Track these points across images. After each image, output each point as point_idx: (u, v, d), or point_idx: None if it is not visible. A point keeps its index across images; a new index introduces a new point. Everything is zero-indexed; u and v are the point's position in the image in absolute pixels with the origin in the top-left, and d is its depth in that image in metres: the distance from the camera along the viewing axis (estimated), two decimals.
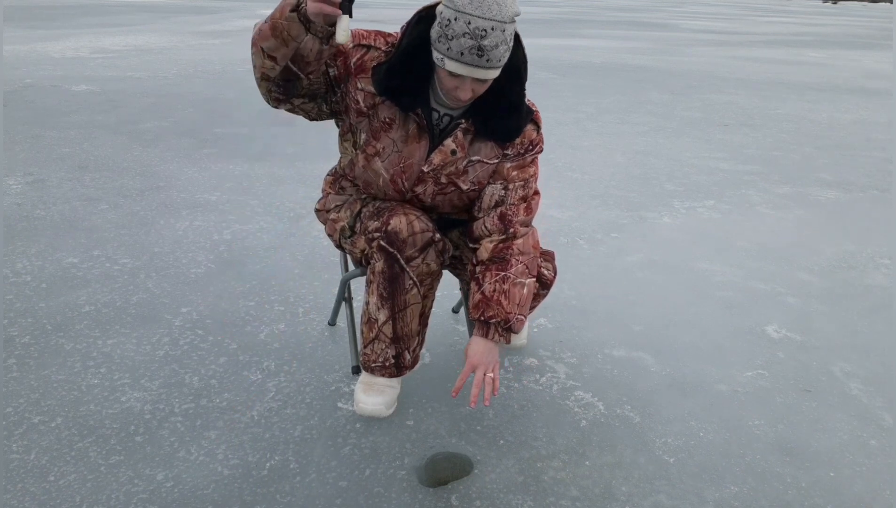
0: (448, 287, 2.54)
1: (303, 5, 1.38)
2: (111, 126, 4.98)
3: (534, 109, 1.72)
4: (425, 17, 1.53)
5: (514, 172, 1.73)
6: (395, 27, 1.74)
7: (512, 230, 1.72)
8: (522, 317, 1.72)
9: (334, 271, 2.74)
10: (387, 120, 1.64)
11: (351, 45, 1.60)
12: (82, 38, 9.91)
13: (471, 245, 1.79)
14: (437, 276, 1.73)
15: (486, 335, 1.68)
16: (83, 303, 2.41)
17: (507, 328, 1.70)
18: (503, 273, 1.69)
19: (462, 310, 2.39)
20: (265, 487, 1.60)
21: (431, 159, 1.66)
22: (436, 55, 1.50)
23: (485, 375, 1.65)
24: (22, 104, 5.57)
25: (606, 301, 2.60)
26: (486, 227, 1.74)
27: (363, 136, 1.69)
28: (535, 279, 1.77)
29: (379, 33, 1.63)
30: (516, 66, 1.57)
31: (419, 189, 1.72)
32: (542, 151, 1.77)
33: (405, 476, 1.66)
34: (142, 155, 4.29)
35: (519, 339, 2.15)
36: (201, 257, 2.83)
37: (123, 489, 1.58)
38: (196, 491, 1.58)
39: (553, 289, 2.57)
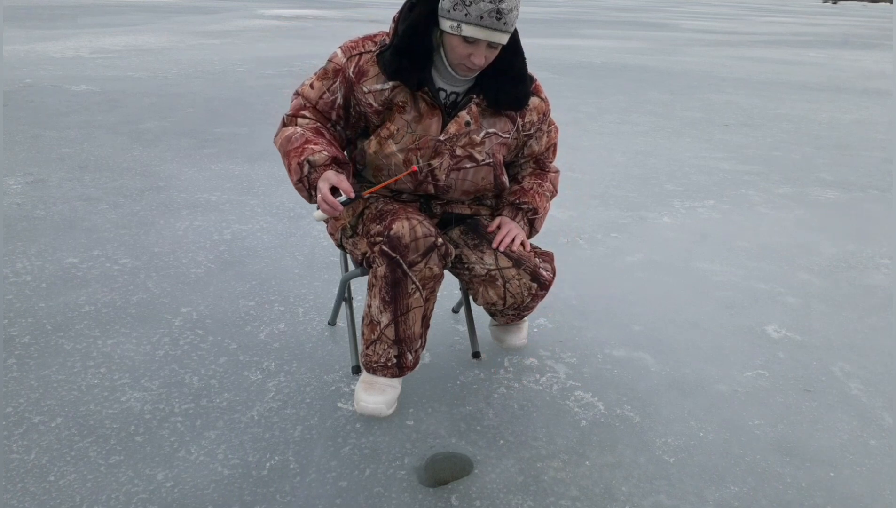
0: (448, 287, 2.53)
1: (313, 191, 1.66)
2: (111, 126, 4.98)
3: (535, 78, 1.84)
4: (418, 2, 1.64)
5: (544, 141, 1.95)
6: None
7: (547, 169, 2.01)
8: (541, 223, 1.97)
9: (334, 271, 2.74)
10: (401, 103, 1.72)
11: (344, 58, 1.75)
12: (82, 38, 9.91)
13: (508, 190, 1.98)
14: (439, 279, 1.74)
15: (513, 218, 1.89)
16: (83, 303, 2.41)
17: (531, 220, 1.92)
18: (539, 180, 1.96)
19: (462, 310, 2.39)
20: (265, 487, 1.60)
21: (448, 129, 1.74)
22: (449, 24, 1.59)
23: (514, 239, 1.81)
24: (22, 104, 5.57)
25: (606, 301, 2.60)
26: (522, 169, 1.98)
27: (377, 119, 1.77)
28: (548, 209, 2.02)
29: (366, 38, 1.76)
30: (515, 40, 1.71)
31: (435, 162, 1.77)
32: (550, 110, 1.93)
33: (405, 476, 1.66)
34: (142, 155, 4.29)
35: (519, 339, 2.15)
36: (201, 257, 2.83)
37: (123, 489, 1.58)
38: (196, 491, 1.58)
39: (553, 289, 2.57)
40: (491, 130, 1.78)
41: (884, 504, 1.64)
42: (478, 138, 1.77)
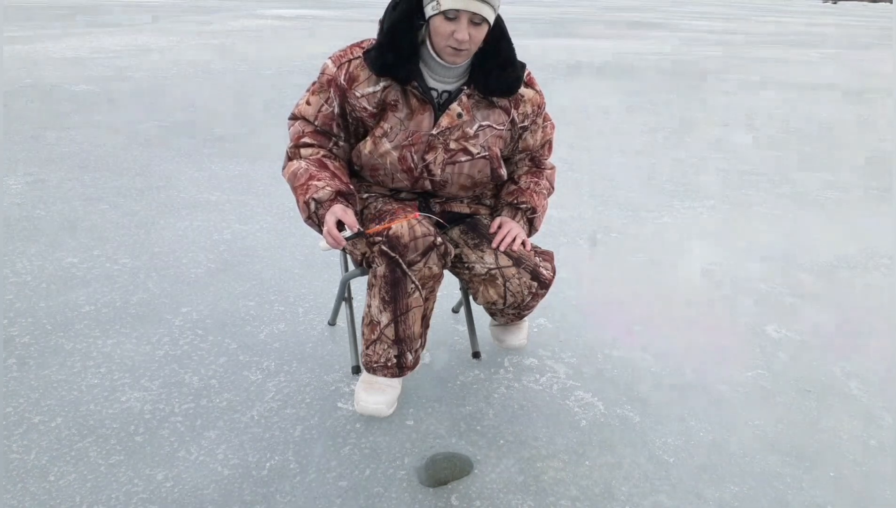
0: (448, 287, 2.53)
1: (321, 220, 1.69)
2: (111, 126, 4.98)
3: (527, 69, 1.82)
4: (400, 0, 1.67)
5: (539, 135, 1.92)
6: None
7: (542, 166, 1.99)
8: (540, 222, 1.95)
9: (334, 271, 2.74)
10: (392, 101, 1.73)
11: (335, 68, 1.76)
12: (82, 38, 9.91)
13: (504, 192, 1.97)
14: (438, 279, 1.74)
15: (512, 218, 1.89)
16: (83, 303, 2.41)
17: (530, 220, 1.91)
18: (536, 179, 1.95)
19: (462, 310, 2.39)
20: (265, 487, 1.60)
21: (440, 122, 1.73)
22: (431, 6, 1.61)
23: (514, 239, 1.80)
24: (22, 104, 5.57)
25: (606, 301, 2.60)
26: (518, 168, 1.97)
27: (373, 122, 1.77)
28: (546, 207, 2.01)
29: (354, 46, 1.77)
30: (500, 26, 1.72)
31: (429, 157, 1.76)
32: (545, 103, 1.91)
33: (405, 476, 1.66)
34: (142, 155, 4.29)
35: (519, 339, 2.15)
36: (201, 257, 2.83)
37: (123, 489, 1.58)
38: (196, 491, 1.58)
39: (553, 289, 2.57)
40: (485, 123, 1.78)
41: (884, 504, 1.64)
42: (471, 131, 1.77)
